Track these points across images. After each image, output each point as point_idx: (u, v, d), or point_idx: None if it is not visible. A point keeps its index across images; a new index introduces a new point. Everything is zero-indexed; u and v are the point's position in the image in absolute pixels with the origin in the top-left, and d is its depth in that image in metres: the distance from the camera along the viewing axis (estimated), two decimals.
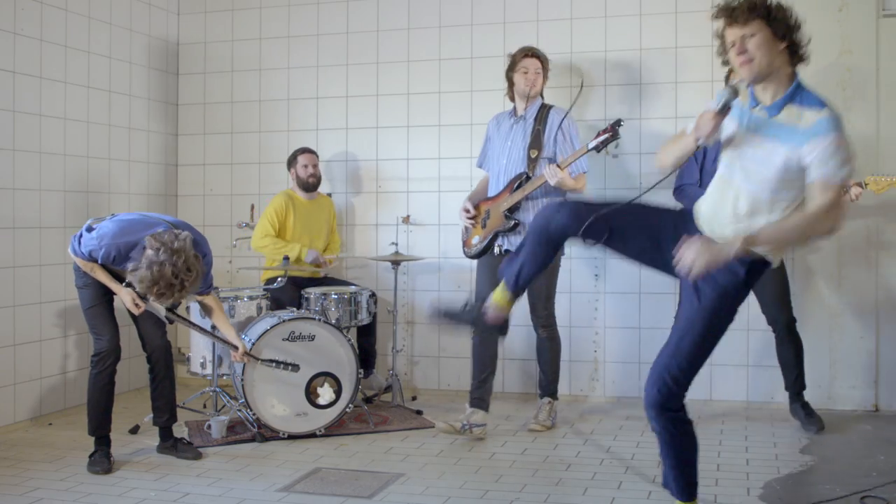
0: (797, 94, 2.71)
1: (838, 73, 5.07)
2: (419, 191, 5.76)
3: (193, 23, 6.18)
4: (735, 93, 2.73)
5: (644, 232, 2.91)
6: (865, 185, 4.56)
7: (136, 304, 4.03)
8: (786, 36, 2.68)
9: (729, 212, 2.80)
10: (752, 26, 2.65)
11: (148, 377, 4.31)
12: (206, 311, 4.34)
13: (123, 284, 4.02)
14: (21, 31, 4.91)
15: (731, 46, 2.71)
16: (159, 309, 4.12)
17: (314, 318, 4.65)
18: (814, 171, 2.62)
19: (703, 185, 4.82)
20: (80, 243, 3.95)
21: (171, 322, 4.22)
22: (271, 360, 4.41)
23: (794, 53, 2.72)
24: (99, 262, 3.93)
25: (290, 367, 4.42)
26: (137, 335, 4.25)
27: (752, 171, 2.76)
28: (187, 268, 3.65)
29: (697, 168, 4.83)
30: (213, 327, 4.42)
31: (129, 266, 3.74)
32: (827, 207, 2.60)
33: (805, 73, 4.94)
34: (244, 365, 4.43)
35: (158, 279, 3.61)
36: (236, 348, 4.29)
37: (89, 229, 3.97)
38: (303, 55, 5.97)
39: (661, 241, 2.87)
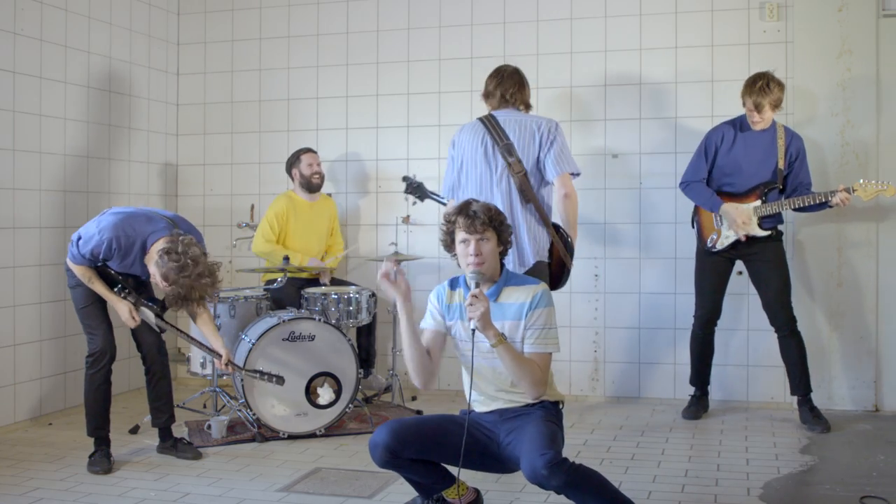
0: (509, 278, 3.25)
1: (838, 73, 5.07)
2: None
3: (193, 23, 6.18)
4: (480, 274, 3.15)
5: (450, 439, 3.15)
6: (853, 190, 4.55)
7: (133, 318, 4.03)
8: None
9: (500, 388, 3.21)
10: (487, 234, 3.17)
11: (144, 378, 4.30)
12: (193, 316, 4.23)
13: (121, 296, 4.01)
14: (21, 31, 4.91)
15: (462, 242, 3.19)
16: (150, 317, 4.10)
17: (314, 318, 4.65)
18: (530, 342, 3.13)
19: (713, 182, 4.85)
20: (78, 247, 3.93)
21: (162, 331, 4.19)
22: (255, 371, 4.31)
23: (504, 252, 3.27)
24: (101, 256, 3.90)
25: (274, 379, 4.29)
26: (132, 336, 4.24)
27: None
28: (209, 272, 3.77)
29: (705, 166, 4.83)
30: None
31: (151, 269, 3.82)
32: (544, 371, 3.12)
33: (806, 73, 4.94)
34: (244, 366, 4.43)
35: (186, 285, 3.69)
36: (220, 356, 4.17)
37: (81, 237, 3.96)
38: (303, 55, 5.97)
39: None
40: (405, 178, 5.05)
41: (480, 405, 3.26)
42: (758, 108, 4.64)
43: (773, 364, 5.17)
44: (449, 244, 3.26)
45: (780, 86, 4.66)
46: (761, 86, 4.63)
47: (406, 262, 5.64)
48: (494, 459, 3.20)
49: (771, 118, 4.72)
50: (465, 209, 3.19)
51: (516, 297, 3.17)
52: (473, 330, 3.03)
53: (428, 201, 5.11)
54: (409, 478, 3.28)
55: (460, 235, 3.18)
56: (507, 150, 4.20)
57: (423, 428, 3.18)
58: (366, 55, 5.86)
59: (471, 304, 3.01)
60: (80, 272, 3.99)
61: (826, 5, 5.09)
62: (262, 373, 4.29)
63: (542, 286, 3.19)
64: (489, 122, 4.33)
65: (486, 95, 4.48)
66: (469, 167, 4.30)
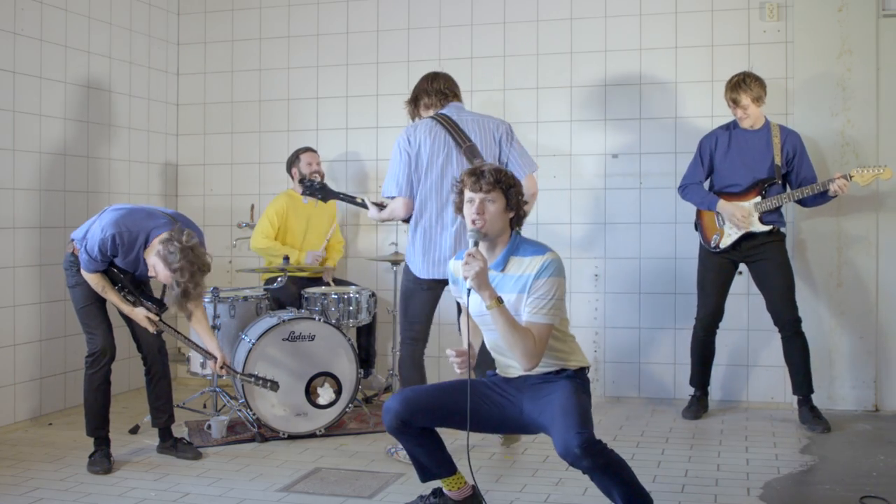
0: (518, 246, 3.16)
1: (838, 73, 5.07)
2: None
3: (193, 23, 6.18)
4: (478, 232, 3.09)
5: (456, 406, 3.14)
6: (850, 177, 4.56)
7: (151, 321, 4.03)
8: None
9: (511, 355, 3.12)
10: (493, 194, 3.10)
11: (144, 378, 4.30)
12: (188, 316, 4.20)
13: (122, 295, 4.00)
14: (21, 31, 4.91)
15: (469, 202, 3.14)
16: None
17: (314, 318, 4.65)
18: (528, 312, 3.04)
19: (714, 185, 4.87)
20: (87, 251, 3.91)
21: (160, 331, 4.17)
22: (250, 376, 4.29)
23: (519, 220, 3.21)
24: (108, 253, 3.90)
25: (269, 385, 4.27)
26: (132, 336, 4.24)
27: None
28: (202, 263, 3.75)
29: (702, 170, 4.85)
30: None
31: (150, 264, 3.82)
32: (540, 344, 3.01)
33: (806, 73, 4.93)
34: (244, 366, 4.43)
35: (186, 270, 3.69)
36: (215, 359, 4.16)
37: (87, 241, 3.95)
38: (303, 55, 5.97)
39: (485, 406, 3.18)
40: (302, 180, 4.86)
41: (506, 373, 3.25)
42: (735, 102, 4.70)
43: (773, 364, 5.17)
44: (460, 206, 3.21)
45: (758, 81, 4.69)
46: (737, 81, 4.70)
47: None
48: (513, 423, 3.19)
49: (757, 114, 4.73)
50: (475, 169, 3.16)
51: (523, 269, 3.10)
52: (469, 290, 3.00)
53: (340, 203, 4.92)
54: (412, 453, 3.27)
55: (467, 195, 3.14)
56: (471, 151, 4.20)
57: (436, 395, 3.19)
58: (366, 55, 5.86)
59: (466, 263, 2.97)
60: (95, 281, 3.98)
61: (826, 5, 5.09)
62: (256, 377, 4.27)
63: (551, 255, 3.10)
64: (447, 123, 4.27)
65: (421, 95, 4.45)
66: (431, 167, 4.22)
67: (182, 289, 3.73)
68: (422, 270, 4.23)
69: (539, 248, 3.15)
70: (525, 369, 3.06)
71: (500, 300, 2.98)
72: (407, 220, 4.33)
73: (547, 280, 3.05)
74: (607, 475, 2.91)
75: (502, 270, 3.13)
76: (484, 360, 3.70)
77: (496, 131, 4.31)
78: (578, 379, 3.16)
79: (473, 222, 3.09)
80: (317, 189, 4.69)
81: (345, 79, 5.91)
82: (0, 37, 4.79)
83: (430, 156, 4.21)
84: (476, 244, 3.06)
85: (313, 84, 5.96)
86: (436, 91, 4.43)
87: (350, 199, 4.61)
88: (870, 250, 5.07)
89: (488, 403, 3.18)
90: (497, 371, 3.31)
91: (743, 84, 4.66)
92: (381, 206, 4.46)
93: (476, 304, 3.09)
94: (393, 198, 4.30)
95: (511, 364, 3.18)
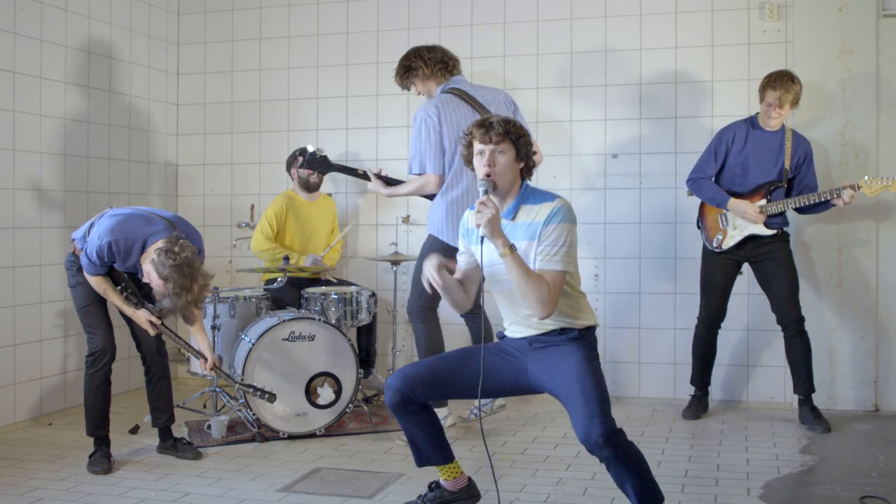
0: (527, 195, 3.16)
1: (838, 73, 5.07)
2: None
3: (193, 23, 6.18)
4: (490, 183, 3.08)
5: (463, 374, 3.17)
6: (859, 187, 4.56)
7: (153, 324, 4.02)
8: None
9: (522, 314, 3.14)
10: (503, 146, 3.09)
11: (144, 378, 4.30)
12: (186, 318, 4.17)
13: (123, 296, 4.00)
14: (21, 31, 4.91)
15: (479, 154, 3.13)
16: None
17: (314, 318, 4.65)
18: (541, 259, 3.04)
19: (721, 181, 4.83)
20: (87, 255, 3.91)
21: (160, 334, 4.16)
22: (248, 386, 4.29)
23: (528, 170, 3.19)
24: (105, 259, 3.91)
25: (266, 396, 4.26)
26: (132, 336, 4.24)
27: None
28: (203, 277, 3.74)
29: (715, 164, 4.81)
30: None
31: (143, 273, 3.79)
32: (554, 291, 2.99)
33: (806, 73, 4.94)
34: (244, 366, 4.44)
35: (176, 285, 3.66)
36: (206, 360, 4.14)
37: (87, 243, 3.95)
38: (303, 55, 5.97)
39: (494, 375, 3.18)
40: (303, 153, 4.84)
41: (513, 332, 3.23)
42: (780, 103, 4.61)
43: (773, 364, 5.17)
44: (469, 158, 3.20)
45: (799, 83, 4.66)
46: (787, 80, 4.62)
47: (406, 263, 5.64)
48: (518, 385, 3.20)
49: (786, 117, 4.71)
50: (483, 121, 3.14)
51: (533, 216, 3.08)
52: (482, 238, 2.99)
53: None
54: (410, 435, 3.26)
55: (477, 147, 3.13)
56: None
57: (437, 366, 3.20)
58: (366, 55, 5.86)
59: (478, 211, 2.96)
60: (97, 283, 3.98)
61: (826, 5, 5.09)
62: (254, 388, 4.27)
63: (561, 202, 3.09)
64: (466, 96, 4.33)
65: (419, 66, 4.44)
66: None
67: (173, 299, 3.69)
68: (452, 238, 4.31)
69: (548, 195, 3.14)
70: (540, 317, 3.03)
71: (513, 247, 2.97)
72: (430, 197, 4.45)
73: (557, 226, 3.04)
74: (624, 466, 2.91)
75: (513, 219, 3.13)
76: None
77: (505, 101, 4.51)
78: (584, 340, 3.14)
79: (487, 175, 3.08)
80: (318, 162, 4.72)
81: (345, 79, 5.91)
82: (0, 37, 4.79)
83: (459, 130, 4.23)
84: (486, 193, 3.06)
85: (313, 84, 5.97)
86: (436, 61, 4.45)
87: (351, 172, 4.66)
88: (870, 251, 5.06)
89: (492, 368, 3.16)
90: (505, 332, 3.28)
91: (791, 83, 4.60)
92: (385, 180, 4.55)
93: (489, 253, 3.07)
94: (419, 174, 4.37)
95: (520, 321, 3.16)
